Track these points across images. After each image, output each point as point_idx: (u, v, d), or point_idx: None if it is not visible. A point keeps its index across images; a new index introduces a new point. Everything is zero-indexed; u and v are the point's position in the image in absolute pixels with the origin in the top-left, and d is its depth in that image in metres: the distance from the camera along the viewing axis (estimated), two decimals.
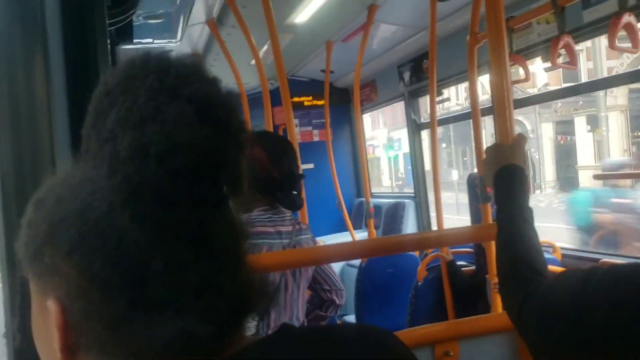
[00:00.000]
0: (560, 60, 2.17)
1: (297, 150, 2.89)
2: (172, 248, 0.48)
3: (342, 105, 6.41)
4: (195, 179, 0.48)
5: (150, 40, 3.33)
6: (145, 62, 0.51)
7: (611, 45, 1.89)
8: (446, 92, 4.82)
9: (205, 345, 0.49)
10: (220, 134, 0.50)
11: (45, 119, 1.11)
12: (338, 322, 4.00)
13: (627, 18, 1.84)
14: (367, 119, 5.36)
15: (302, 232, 1.84)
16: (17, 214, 1.02)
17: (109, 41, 1.98)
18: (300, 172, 1.96)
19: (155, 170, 0.47)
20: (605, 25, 2.77)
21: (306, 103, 6.30)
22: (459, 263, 3.12)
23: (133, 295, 0.48)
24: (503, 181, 1.19)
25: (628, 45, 1.95)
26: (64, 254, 0.49)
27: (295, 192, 1.83)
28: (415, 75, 4.84)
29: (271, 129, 3.83)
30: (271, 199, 1.80)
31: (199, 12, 3.74)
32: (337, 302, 1.92)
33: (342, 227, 5.53)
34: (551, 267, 3.09)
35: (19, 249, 0.54)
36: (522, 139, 1.28)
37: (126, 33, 2.29)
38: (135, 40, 3.07)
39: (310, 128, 6.39)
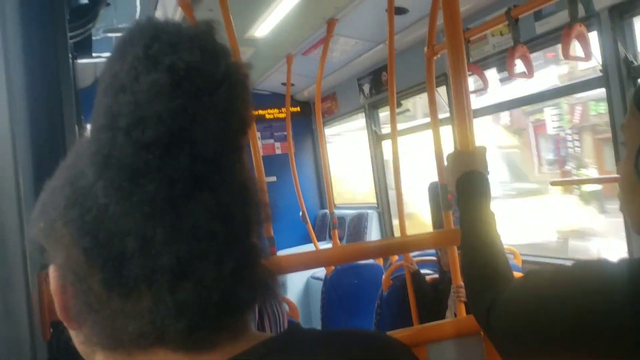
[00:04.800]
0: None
1: (261, 163, 2.90)
2: (145, 226, 0.45)
3: (304, 117, 6.46)
4: (167, 153, 0.44)
5: (110, 54, 3.26)
6: (141, 28, 0.48)
7: (565, 55, 1.96)
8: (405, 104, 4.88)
9: (180, 340, 0.46)
10: (200, 106, 0.45)
11: (8, 133, 1.08)
12: None
13: (579, 29, 1.90)
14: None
15: None
16: None
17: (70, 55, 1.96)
18: None
19: (124, 142, 0.44)
20: (557, 36, 2.88)
21: (268, 116, 6.32)
22: (422, 271, 3.16)
23: (109, 272, 0.46)
24: (465, 186, 1.21)
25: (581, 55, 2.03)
26: (55, 220, 0.48)
27: None
28: (375, 88, 4.90)
29: None
30: None
31: None
32: None
33: (306, 240, 5.52)
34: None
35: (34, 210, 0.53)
36: (483, 147, 1.31)
37: (85, 47, 2.26)
38: (94, 55, 3.03)
39: (272, 141, 6.40)
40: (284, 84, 5.09)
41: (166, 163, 0.45)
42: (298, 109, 6.37)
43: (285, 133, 5.95)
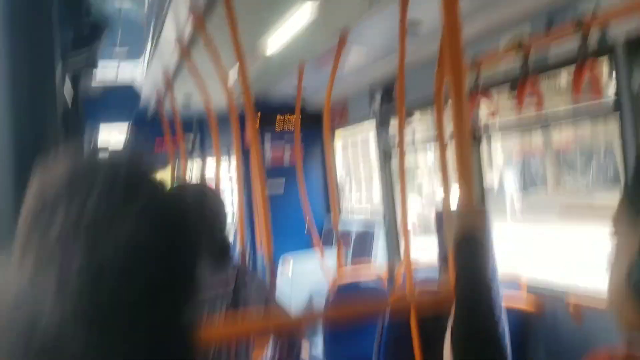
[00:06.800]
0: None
1: (263, 172, 2.88)
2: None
3: (315, 126, 6.31)
4: (152, 295, 0.47)
5: (115, 64, 3.27)
6: (93, 168, 0.48)
7: (576, 93, 1.94)
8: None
9: None
10: (178, 246, 0.49)
11: None
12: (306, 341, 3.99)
13: (591, 66, 1.88)
14: None
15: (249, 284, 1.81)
16: None
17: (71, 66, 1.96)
18: (225, 232, 1.85)
19: (110, 294, 0.45)
20: (571, 60, 2.82)
21: (277, 125, 6.29)
22: (425, 278, 3.12)
23: None
24: (461, 255, 1.18)
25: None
26: None
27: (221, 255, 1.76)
28: (387, 99, 4.85)
29: (239, 152, 3.81)
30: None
31: (170, 35, 3.71)
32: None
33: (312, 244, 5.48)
34: (516, 303, 3.09)
35: None
36: (484, 210, 1.27)
37: (90, 67, 2.26)
38: (99, 66, 3.02)
39: (282, 150, 6.37)
40: (294, 92, 5.05)
41: (151, 307, 0.47)
42: (309, 115, 6.31)
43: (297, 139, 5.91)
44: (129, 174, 0.49)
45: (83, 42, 1.84)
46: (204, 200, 1.78)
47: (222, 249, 1.79)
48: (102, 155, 0.51)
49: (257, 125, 5.78)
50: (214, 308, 1.69)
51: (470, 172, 1.38)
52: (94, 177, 0.47)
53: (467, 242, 1.19)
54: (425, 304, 3.08)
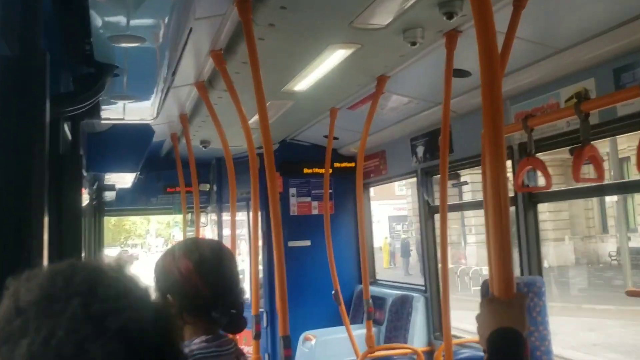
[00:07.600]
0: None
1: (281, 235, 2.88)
2: None
3: (348, 175, 6.22)
4: None
5: (120, 117, 3.37)
6: (69, 281, 0.51)
7: (575, 178, 2.04)
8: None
9: None
10: None
11: None
12: None
13: (590, 150, 2.00)
14: None
15: None
16: None
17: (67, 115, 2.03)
18: (240, 285, 1.88)
19: None
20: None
21: (306, 170, 6.27)
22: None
23: None
24: (495, 350, 1.17)
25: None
26: None
27: (234, 311, 1.76)
28: (430, 152, 4.86)
29: (257, 198, 3.80)
30: (207, 322, 1.73)
31: (187, 74, 3.80)
32: None
33: (340, 320, 5.43)
34: None
35: None
36: (522, 297, 1.26)
37: (92, 110, 2.34)
38: (103, 118, 3.13)
39: (309, 199, 6.30)
40: (326, 136, 5.06)
41: None
42: (342, 164, 6.27)
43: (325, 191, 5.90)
44: (107, 286, 0.51)
45: (84, 89, 1.92)
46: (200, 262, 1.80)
47: (234, 310, 1.79)
48: (79, 272, 0.53)
49: (281, 177, 5.79)
50: None
51: (509, 251, 1.37)
52: (65, 304, 0.49)
53: (500, 334, 1.18)
54: None
